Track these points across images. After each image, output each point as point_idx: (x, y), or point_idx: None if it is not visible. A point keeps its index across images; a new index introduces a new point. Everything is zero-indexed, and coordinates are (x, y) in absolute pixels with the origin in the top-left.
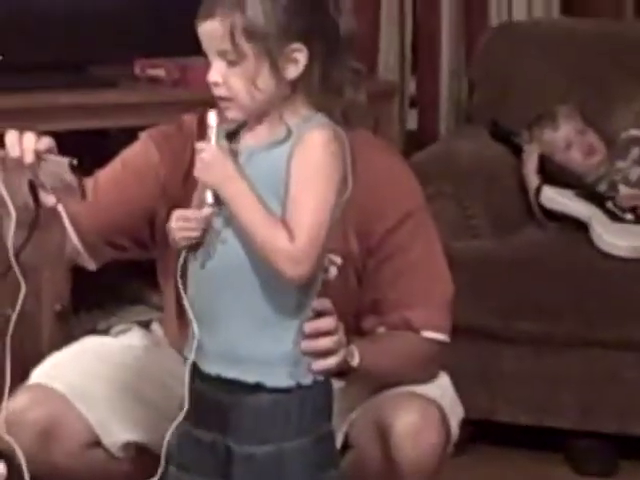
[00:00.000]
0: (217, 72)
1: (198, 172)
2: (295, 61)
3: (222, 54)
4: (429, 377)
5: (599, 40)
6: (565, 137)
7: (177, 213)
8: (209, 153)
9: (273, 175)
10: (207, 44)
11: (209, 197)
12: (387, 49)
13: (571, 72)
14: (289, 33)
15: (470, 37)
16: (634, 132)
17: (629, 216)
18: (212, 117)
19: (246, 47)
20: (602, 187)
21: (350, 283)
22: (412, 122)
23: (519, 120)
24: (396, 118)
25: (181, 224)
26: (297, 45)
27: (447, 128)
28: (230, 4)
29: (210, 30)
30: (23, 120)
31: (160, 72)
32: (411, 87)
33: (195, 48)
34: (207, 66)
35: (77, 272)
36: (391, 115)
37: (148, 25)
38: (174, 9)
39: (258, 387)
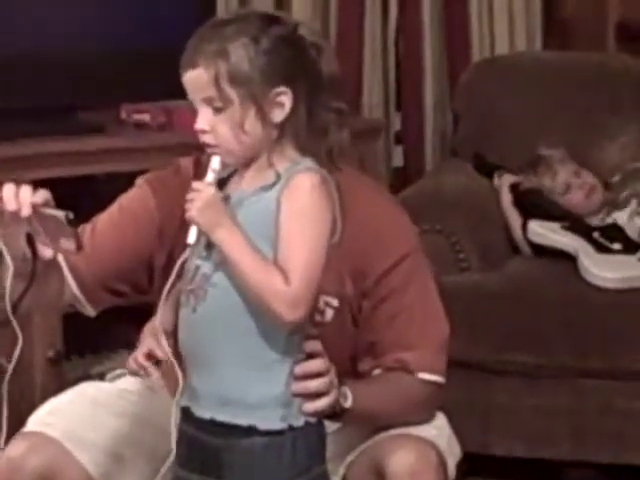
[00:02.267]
0: (204, 120)
1: (192, 213)
2: (280, 104)
3: (208, 101)
4: (425, 419)
5: (582, 73)
6: (564, 181)
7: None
8: (206, 195)
9: (263, 219)
10: (192, 92)
11: (191, 236)
12: (371, 87)
13: (555, 104)
14: (273, 77)
15: (453, 72)
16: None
17: (617, 246)
18: (215, 161)
19: (231, 93)
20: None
21: (346, 325)
22: (398, 159)
23: (504, 153)
24: (382, 155)
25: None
26: (282, 88)
27: (433, 163)
28: (213, 52)
29: (194, 79)
30: (10, 168)
31: (146, 117)
32: (396, 124)
33: (180, 92)
34: (192, 110)
35: (69, 317)
36: (377, 153)
37: (133, 70)
38: (159, 54)
39: (251, 430)
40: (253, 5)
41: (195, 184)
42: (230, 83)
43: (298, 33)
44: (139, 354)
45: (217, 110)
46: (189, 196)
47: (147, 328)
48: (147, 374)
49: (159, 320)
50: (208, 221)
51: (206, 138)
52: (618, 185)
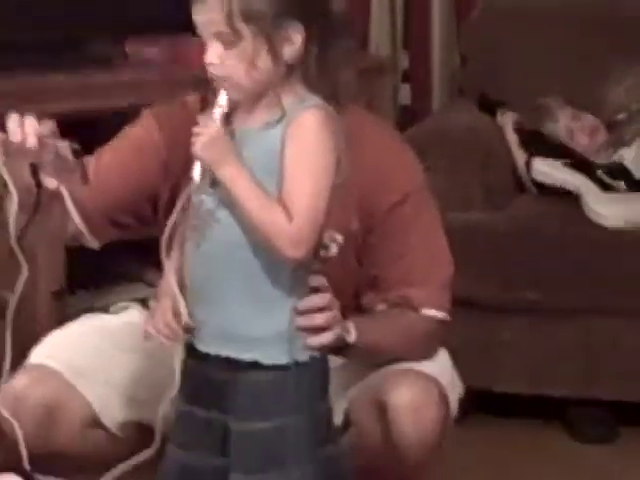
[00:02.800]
0: (214, 54)
1: (197, 148)
2: (292, 41)
3: (219, 36)
4: (428, 355)
5: (587, 14)
6: (566, 126)
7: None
8: (212, 131)
9: (267, 156)
10: (203, 27)
11: (196, 172)
12: (378, 25)
13: (560, 45)
14: (286, 13)
15: (461, 11)
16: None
17: (621, 184)
18: (223, 96)
19: (243, 28)
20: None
21: (350, 261)
22: (405, 97)
23: (510, 93)
24: (389, 93)
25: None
26: (294, 26)
27: (440, 102)
28: None
29: (206, 12)
30: (15, 102)
31: (153, 51)
32: (404, 62)
33: (188, 26)
34: (200, 44)
35: (73, 252)
36: (384, 90)
37: (139, 3)
38: None
39: (255, 365)
40: None
41: (202, 118)
42: (242, 18)
43: None
44: (158, 320)
45: (228, 45)
46: (195, 130)
47: (162, 286)
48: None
49: (172, 273)
50: (213, 157)
51: (215, 71)
52: (624, 123)
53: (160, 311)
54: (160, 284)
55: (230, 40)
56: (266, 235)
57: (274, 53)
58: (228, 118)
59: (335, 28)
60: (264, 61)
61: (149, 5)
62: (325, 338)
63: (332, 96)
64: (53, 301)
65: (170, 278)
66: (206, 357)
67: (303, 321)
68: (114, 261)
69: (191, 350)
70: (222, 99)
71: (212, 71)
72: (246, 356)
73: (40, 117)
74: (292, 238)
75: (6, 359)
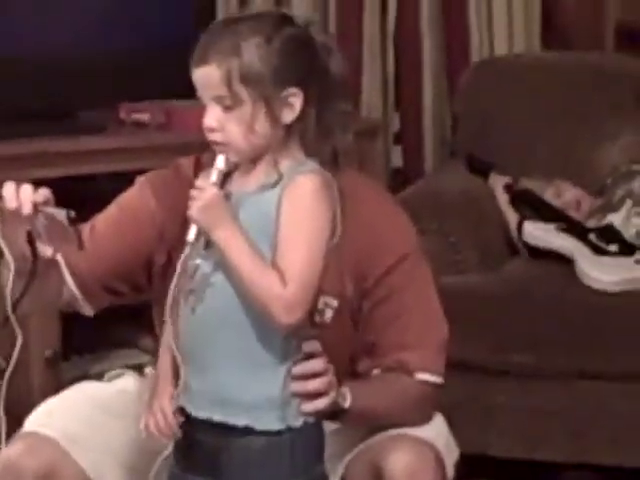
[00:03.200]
0: (213, 118)
1: (193, 211)
2: (291, 105)
3: (218, 100)
4: (423, 419)
5: (581, 74)
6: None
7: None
8: (208, 195)
9: (263, 219)
10: (202, 89)
11: (191, 234)
12: (370, 87)
13: (554, 106)
14: (285, 77)
15: (452, 73)
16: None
17: (613, 248)
18: (220, 160)
19: (242, 92)
20: (590, 223)
21: (345, 326)
22: (397, 159)
23: (503, 155)
24: (381, 156)
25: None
26: (293, 90)
27: (432, 164)
28: (226, 49)
29: (205, 75)
30: (12, 168)
31: (145, 116)
32: (395, 124)
33: (179, 91)
34: (192, 110)
35: (67, 317)
36: (376, 153)
37: (132, 70)
38: (158, 53)
39: (248, 430)
40: (253, 7)
41: (198, 182)
42: (242, 82)
43: (310, 33)
44: (159, 418)
45: (227, 108)
46: (192, 193)
47: (160, 365)
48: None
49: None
50: (208, 220)
51: (214, 136)
52: (611, 186)
53: (159, 407)
54: (159, 359)
55: (229, 104)
56: (259, 299)
57: (273, 117)
58: (225, 180)
59: (334, 91)
60: (263, 125)
61: (142, 71)
62: (320, 404)
63: (331, 158)
64: (47, 367)
65: (164, 358)
66: (198, 422)
67: (297, 387)
68: (108, 327)
69: (184, 415)
70: (220, 162)
71: (211, 136)
72: (239, 421)
73: (35, 183)
74: (285, 303)
75: (1, 427)
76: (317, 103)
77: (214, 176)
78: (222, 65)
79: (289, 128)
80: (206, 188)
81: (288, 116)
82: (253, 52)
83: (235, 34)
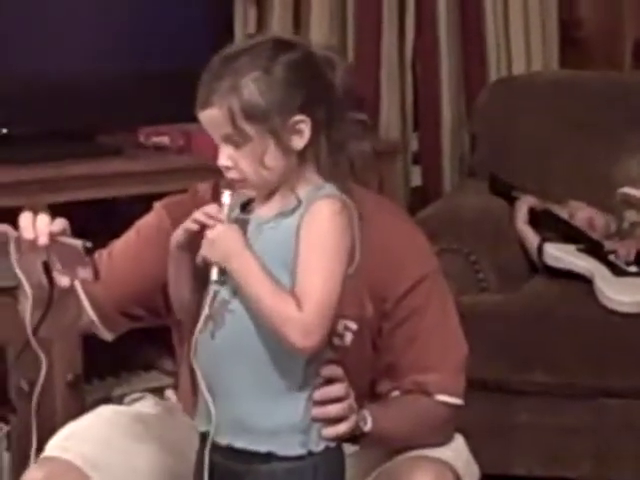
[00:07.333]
0: (225, 156)
1: (203, 249)
2: (300, 132)
3: (227, 138)
4: (443, 440)
5: (599, 91)
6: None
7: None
8: (215, 232)
9: (282, 246)
10: (210, 131)
11: (214, 274)
12: (388, 108)
13: (572, 123)
14: (289, 106)
15: (470, 92)
16: (625, 191)
17: (633, 269)
18: (226, 196)
19: (249, 128)
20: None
21: (366, 348)
22: (416, 179)
23: (521, 173)
24: (400, 175)
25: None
26: (299, 117)
27: (451, 183)
28: (225, 90)
29: (210, 118)
30: (30, 192)
31: (164, 139)
32: (414, 144)
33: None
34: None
35: (89, 340)
36: (395, 173)
37: (151, 93)
38: (176, 76)
39: (270, 456)
40: (271, 27)
41: (205, 209)
42: (246, 119)
43: (310, 53)
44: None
45: (237, 146)
46: (195, 215)
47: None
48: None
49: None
50: (220, 255)
51: (231, 174)
52: (618, 212)
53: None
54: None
55: (238, 141)
56: (275, 324)
57: (283, 147)
58: (248, 206)
59: (342, 103)
60: (274, 157)
61: (161, 94)
62: (341, 429)
63: (349, 170)
64: (69, 390)
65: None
66: (220, 448)
67: (318, 412)
68: (129, 349)
69: (206, 440)
70: (225, 198)
71: (227, 174)
72: (260, 447)
73: (54, 206)
74: (302, 327)
75: (32, 449)
76: (326, 122)
77: (223, 212)
78: (223, 105)
79: (302, 153)
80: (216, 225)
81: (299, 143)
82: (252, 88)
83: (233, 71)
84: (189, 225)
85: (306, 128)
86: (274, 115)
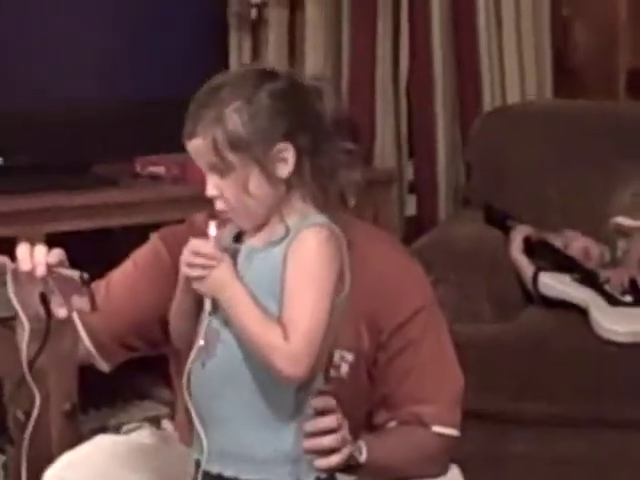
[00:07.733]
0: (212, 186)
1: (194, 285)
2: (284, 160)
3: (212, 167)
4: (439, 472)
5: (593, 121)
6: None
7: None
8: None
9: (270, 275)
10: (197, 160)
11: (207, 305)
12: (383, 137)
13: (566, 153)
14: (272, 135)
15: (465, 121)
16: (618, 221)
17: (628, 298)
18: (212, 228)
19: (232, 157)
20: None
21: (362, 379)
22: (411, 208)
23: (515, 202)
24: (395, 204)
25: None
26: (282, 145)
27: (446, 212)
28: (209, 120)
29: (196, 148)
30: (27, 222)
31: (160, 169)
32: (409, 173)
33: None
34: None
35: (85, 370)
36: (390, 202)
37: (147, 123)
38: (173, 106)
39: None
40: (266, 56)
41: (191, 243)
42: (229, 149)
43: (295, 82)
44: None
45: (222, 175)
46: (183, 254)
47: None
48: None
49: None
50: (211, 286)
51: (218, 205)
52: (611, 241)
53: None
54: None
55: (223, 170)
56: (262, 352)
57: (268, 175)
58: (241, 236)
59: (330, 132)
60: (259, 185)
61: (157, 124)
62: (334, 460)
63: (339, 200)
64: (65, 420)
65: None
66: (211, 477)
67: (311, 444)
68: (126, 379)
69: (199, 468)
70: (212, 231)
71: (216, 205)
72: (250, 477)
73: (50, 236)
74: (288, 355)
75: None
76: (312, 150)
77: (210, 243)
78: (208, 136)
79: (288, 181)
80: (205, 261)
81: (284, 171)
82: (235, 118)
83: (217, 101)
84: (187, 272)
85: (290, 155)
86: (257, 144)
